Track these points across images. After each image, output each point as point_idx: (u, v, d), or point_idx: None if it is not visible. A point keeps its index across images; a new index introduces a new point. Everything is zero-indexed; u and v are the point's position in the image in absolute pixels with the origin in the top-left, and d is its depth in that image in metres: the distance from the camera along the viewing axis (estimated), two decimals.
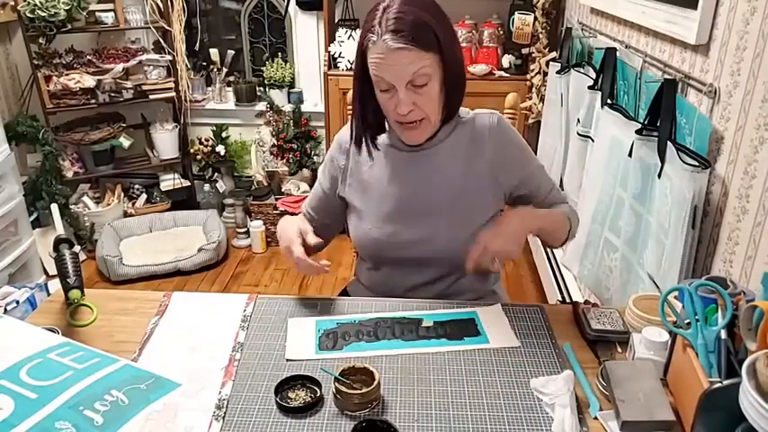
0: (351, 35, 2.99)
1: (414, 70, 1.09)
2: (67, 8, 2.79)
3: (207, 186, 3.56)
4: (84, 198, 3.24)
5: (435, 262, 1.28)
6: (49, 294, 1.27)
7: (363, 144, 1.28)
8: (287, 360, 1.05)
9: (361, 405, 0.92)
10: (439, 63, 1.12)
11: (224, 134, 3.47)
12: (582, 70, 2.06)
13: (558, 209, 1.30)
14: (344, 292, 1.50)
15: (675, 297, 1.01)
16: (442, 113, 1.20)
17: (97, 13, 2.99)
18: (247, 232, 3.30)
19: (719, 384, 0.79)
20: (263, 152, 3.50)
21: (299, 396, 0.95)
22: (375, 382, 0.93)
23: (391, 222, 1.27)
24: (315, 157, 3.41)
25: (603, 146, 1.70)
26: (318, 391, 0.95)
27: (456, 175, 1.24)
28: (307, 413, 0.93)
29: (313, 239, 1.20)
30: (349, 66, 2.98)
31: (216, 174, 3.50)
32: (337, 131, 1.37)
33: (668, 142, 1.31)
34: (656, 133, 1.38)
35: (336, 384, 0.93)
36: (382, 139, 1.29)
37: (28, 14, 2.75)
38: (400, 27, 1.07)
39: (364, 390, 0.92)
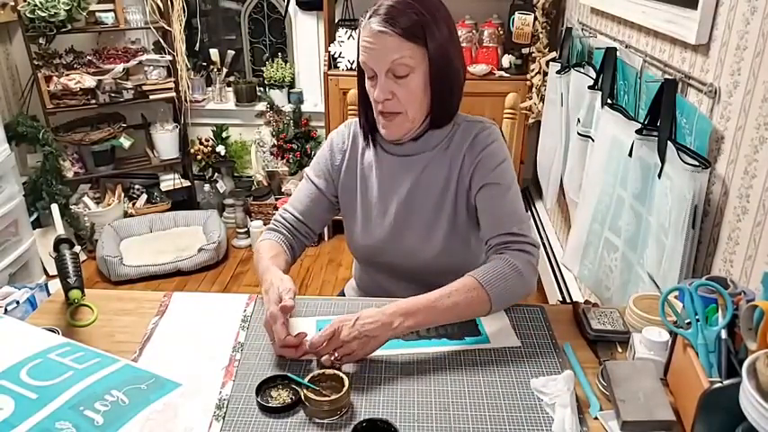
0: (351, 35, 3.00)
1: (394, 58, 1.09)
2: (67, 8, 2.79)
3: (207, 186, 3.56)
4: (85, 198, 3.24)
5: (425, 273, 1.27)
6: (49, 294, 1.27)
7: (367, 138, 1.28)
8: (287, 360, 1.04)
9: (331, 412, 0.90)
10: (424, 57, 1.11)
11: (224, 134, 3.48)
12: (582, 70, 2.06)
13: (465, 280, 1.07)
14: (343, 294, 1.50)
15: (676, 297, 1.01)
16: (427, 113, 1.18)
17: (97, 14, 3.00)
18: (247, 232, 3.30)
19: (720, 384, 0.79)
20: (264, 152, 3.50)
21: (280, 395, 0.95)
22: (345, 389, 0.91)
23: (382, 229, 1.27)
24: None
25: (603, 146, 1.70)
26: (300, 391, 0.94)
27: (443, 183, 1.23)
28: (288, 413, 0.92)
29: (290, 303, 1.03)
30: (349, 66, 2.98)
31: (216, 174, 3.51)
32: None
33: (668, 142, 1.31)
34: (656, 133, 1.38)
35: (305, 391, 0.92)
36: (377, 142, 1.28)
37: (28, 15, 2.76)
38: (388, 12, 1.08)
39: (333, 396, 0.90)
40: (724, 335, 0.86)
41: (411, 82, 1.12)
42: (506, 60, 2.91)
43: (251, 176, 3.52)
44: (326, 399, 0.90)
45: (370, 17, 1.10)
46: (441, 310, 1.04)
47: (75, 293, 1.16)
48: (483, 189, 1.19)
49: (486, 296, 1.06)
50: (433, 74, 1.13)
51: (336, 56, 3.00)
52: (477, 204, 1.20)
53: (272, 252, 1.23)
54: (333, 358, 0.99)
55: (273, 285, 1.08)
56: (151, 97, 3.18)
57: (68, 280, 1.17)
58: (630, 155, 1.49)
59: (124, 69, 3.11)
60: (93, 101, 3.04)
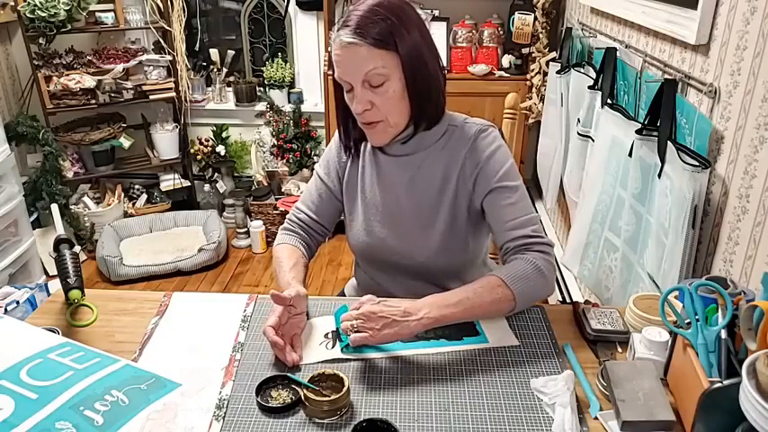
0: None
1: (368, 69, 1.08)
2: (67, 8, 2.79)
3: (207, 186, 3.56)
4: (85, 198, 3.24)
5: (424, 272, 1.27)
6: (49, 294, 1.27)
7: (351, 150, 1.28)
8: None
9: (331, 412, 0.90)
10: (397, 64, 1.10)
11: (224, 134, 3.48)
12: (582, 70, 2.06)
13: (488, 278, 1.09)
14: (343, 294, 1.50)
15: (675, 297, 1.01)
16: (409, 117, 1.17)
17: (97, 14, 3.00)
18: (247, 232, 3.30)
19: (720, 384, 0.79)
20: (263, 152, 3.50)
21: (280, 395, 0.95)
22: (344, 389, 0.91)
23: (380, 227, 1.27)
24: (315, 158, 3.41)
25: (603, 146, 1.70)
26: (300, 391, 0.94)
27: (440, 182, 1.22)
28: (288, 413, 0.92)
29: (285, 294, 1.06)
30: None
31: (216, 174, 3.51)
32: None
33: (668, 142, 1.31)
34: (656, 133, 1.38)
35: (305, 391, 0.91)
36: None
37: (28, 15, 2.76)
38: (355, 23, 1.08)
39: (333, 396, 0.90)
40: (724, 335, 0.86)
41: (388, 90, 1.11)
42: (506, 60, 2.91)
43: (251, 176, 3.52)
44: (326, 399, 0.90)
45: (339, 29, 1.09)
46: (466, 307, 1.05)
47: (75, 293, 1.16)
48: (491, 193, 1.18)
49: (511, 294, 1.07)
50: (408, 78, 1.12)
51: None
52: (487, 209, 1.20)
53: (291, 260, 1.23)
54: (350, 324, 1.01)
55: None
56: (151, 97, 3.18)
57: (68, 280, 1.17)
58: (630, 155, 1.49)
59: (124, 69, 3.11)
60: (93, 101, 3.04)
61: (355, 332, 1.01)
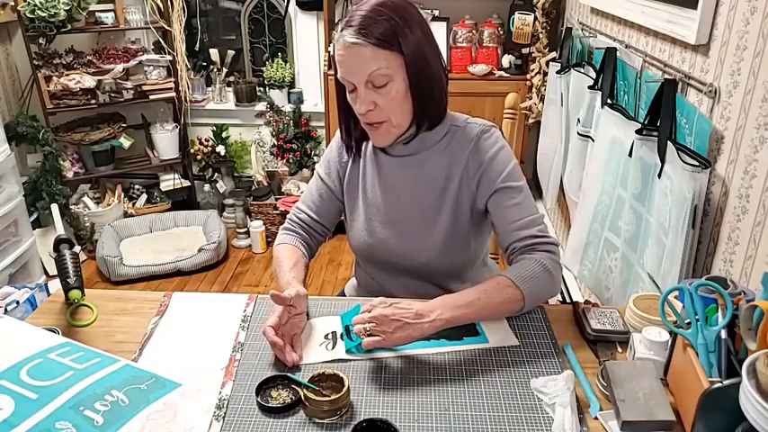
0: None
1: (372, 69, 1.08)
2: (67, 8, 2.79)
3: (207, 186, 3.56)
4: (85, 198, 3.24)
5: (425, 272, 1.27)
6: (49, 294, 1.27)
7: (353, 150, 1.28)
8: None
9: (331, 412, 0.90)
10: (401, 64, 1.10)
11: (224, 134, 3.48)
12: (582, 70, 2.06)
13: (498, 279, 1.10)
14: (343, 294, 1.50)
15: (675, 297, 1.01)
16: (412, 117, 1.17)
17: (97, 14, 3.00)
18: (247, 232, 3.30)
19: (720, 384, 0.79)
20: (263, 152, 3.50)
21: (280, 395, 0.95)
22: (344, 389, 0.91)
23: (382, 228, 1.26)
24: (315, 158, 3.41)
25: (603, 146, 1.70)
26: (300, 391, 0.94)
27: (442, 183, 1.22)
28: (288, 413, 0.92)
29: (285, 294, 1.06)
30: None
31: (216, 174, 3.51)
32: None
33: (668, 142, 1.31)
34: (656, 133, 1.38)
35: (305, 391, 0.91)
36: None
37: (28, 15, 2.76)
38: (358, 23, 1.07)
39: (333, 396, 0.90)
40: (724, 335, 0.86)
41: (391, 90, 1.11)
42: (506, 60, 2.91)
43: (251, 176, 3.52)
44: (326, 399, 0.90)
45: (342, 30, 1.09)
46: (478, 307, 1.06)
47: (75, 293, 1.16)
48: (496, 194, 1.18)
49: (520, 294, 1.08)
50: (411, 78, 1.11)
51: None
52: (491, 209, 1.20)
53: (291, 260, 1.23)
54: (364, 327, 1.01)
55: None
56: (151, 97, 3.18)
57: (68, 280, 1.17)
58: (630, 155, 1.49)
59: (124, 69, 3.11)
60: (93, 101, 3.04)
61: (368, 335, 1.01)
